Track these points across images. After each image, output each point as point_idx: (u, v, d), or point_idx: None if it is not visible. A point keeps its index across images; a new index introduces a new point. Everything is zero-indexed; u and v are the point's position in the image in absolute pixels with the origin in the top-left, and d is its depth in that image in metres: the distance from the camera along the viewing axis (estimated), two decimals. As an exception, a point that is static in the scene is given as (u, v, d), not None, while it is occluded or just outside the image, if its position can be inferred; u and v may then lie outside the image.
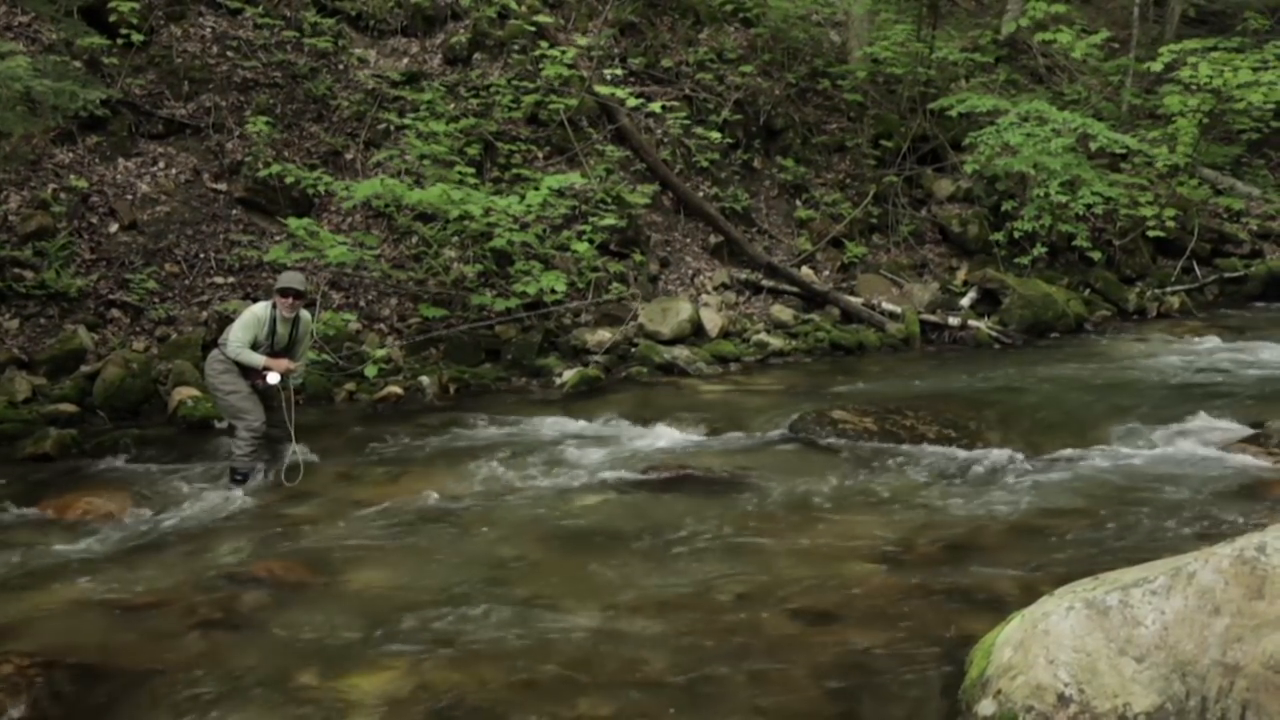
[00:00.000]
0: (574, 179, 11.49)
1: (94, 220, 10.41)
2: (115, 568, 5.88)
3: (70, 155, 10.69)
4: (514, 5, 13.78)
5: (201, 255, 10.66)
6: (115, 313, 9.93)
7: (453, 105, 12.74)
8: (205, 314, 10.24)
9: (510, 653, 4.77)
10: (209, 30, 12.32)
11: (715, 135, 13.45)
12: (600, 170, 12.79)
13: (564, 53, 12.98)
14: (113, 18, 11.20)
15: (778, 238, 13.95)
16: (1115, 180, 14.83)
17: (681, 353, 11.22)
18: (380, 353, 10.23)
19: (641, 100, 12.78)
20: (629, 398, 9.95)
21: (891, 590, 5.39)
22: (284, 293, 7.31)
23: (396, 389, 9.88)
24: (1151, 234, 14.49)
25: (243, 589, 5.60)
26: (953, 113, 14.39)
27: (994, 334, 12.67)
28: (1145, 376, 10.43)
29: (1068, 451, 7.78)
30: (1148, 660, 3.77)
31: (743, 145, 14.44)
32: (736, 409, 9.55)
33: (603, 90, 12.86)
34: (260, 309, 7.39)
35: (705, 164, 13.86)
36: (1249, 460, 7.37)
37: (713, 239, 13.40)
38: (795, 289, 13.09)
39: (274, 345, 7.35)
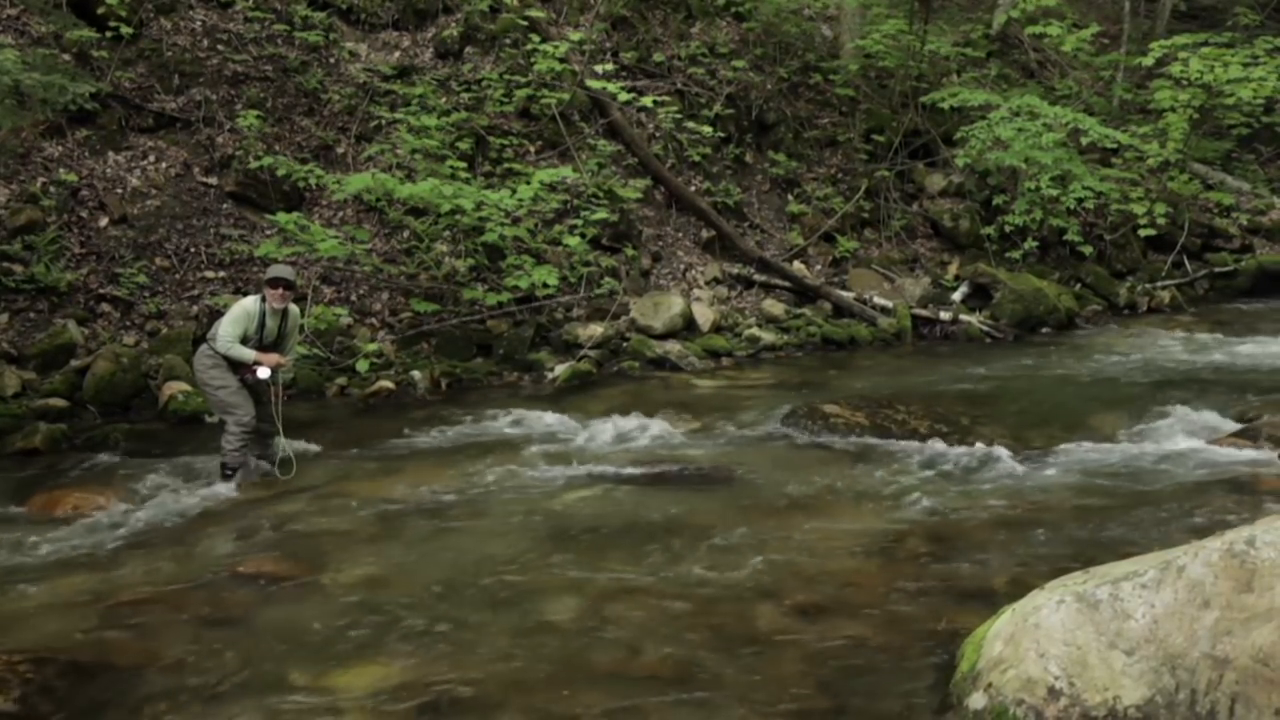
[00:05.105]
0: (565, 173, 11.48)
1: (84, 214, 10.36)
2: (105, 563, 5.86)
3: (60, 149, 10.64)
4: (506, -1, 13.77)
5: (192, 249, 10.62)
6: (105, 307, 9.90)
7: (444, 99, 12.71)
8: (196, 308, 10.21)
9: (501, 647, 4.77)
10: (199, 24, 12.27)
11: (707, 130, 13.45)
12: (592, 165, 12.77)
13: (556, 47, 12.95)
14: (101, 10, 11.14)
15: (769, 232, 13.96)
16: (1106, 175, 14.88)
17: (673, 347, 11.23)
18: (372, 347, 10.22)
19: (633, 95, 12.78)
20: (620, 392, 9.95)
21: (883, 584, 5.40)
22: (274, 283, 7.28)
23: (388, 384, 9.87)
24: (1142, 231, 14.53)
25: (233, 584, 5.59)
26: (944, 106, 14.40)
27: (985, 328, 12.70)
28: (1135, 371, 10.46)
29: (1058, 446, 7.80)
30: (1137, 653, 3.78)
31: (734, 140, 14.43)
32: (728, 404, 9.55)
33: (594, 85, 12.85)
34: (250, 303, 7.36)
35: (697, 158, 13.86)
36: (1239, 454, 7.39)
37: (704, 234, 13.40)
38: (787, 284, 13.10)
39: (263, 339, 7.32)
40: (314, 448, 7.89)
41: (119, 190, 10.69)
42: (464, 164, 11.61)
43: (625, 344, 11.21)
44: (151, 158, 11.13)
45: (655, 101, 12.88)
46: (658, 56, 14.58)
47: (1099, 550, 5.52)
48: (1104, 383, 9.94)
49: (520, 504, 6.78)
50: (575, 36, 13.51)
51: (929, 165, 15.44)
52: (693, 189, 13.71)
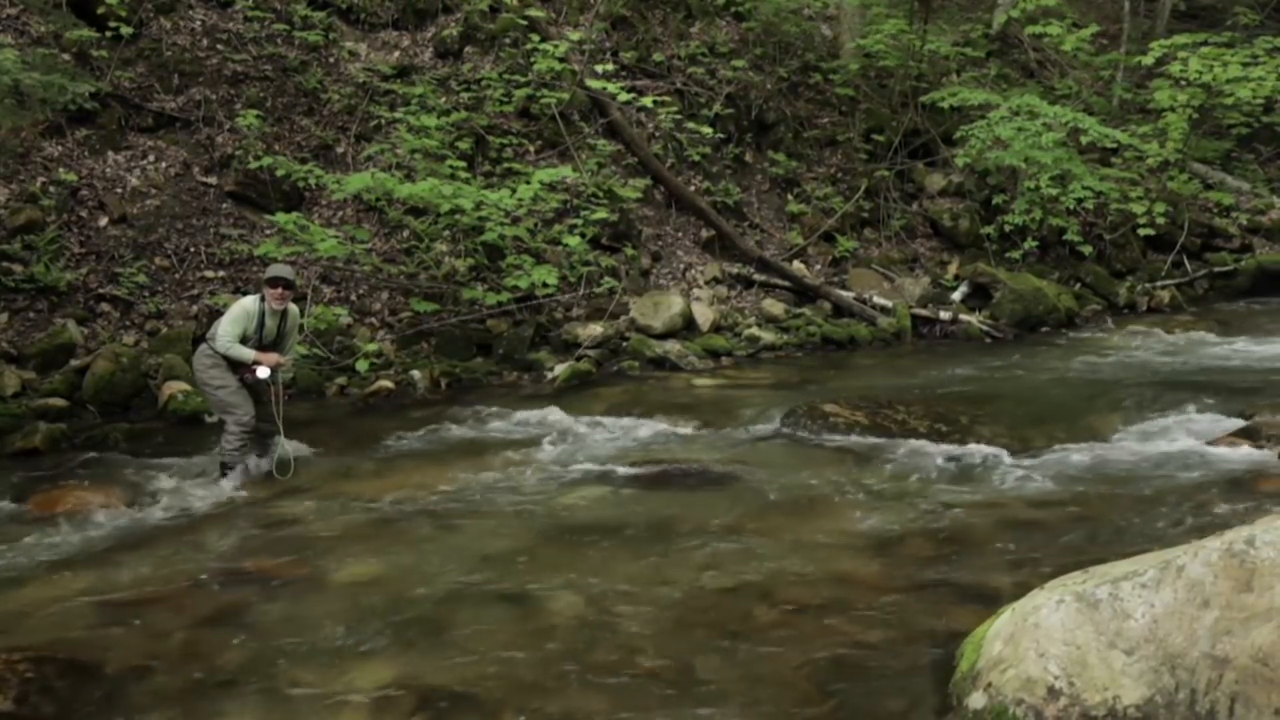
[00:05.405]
0: (565, 173, 11.48)
1: (83, 214, 10.36)
2: (105, 563, 5.86)
3: (59, 149, 10.64)
4: (505, -1, 13.77)
5: (192, 249, 10.62)
6: (105, 307, 9.90)
7: (444, 99, 12.71)
8: (195, 308, 10.21)
9: (501, 646, 4.77)
10: (199, 23, 12.28)
11: (707, 130, 13.45)
12: (592, 164, 12.77)
13: (555, 47, 12.95)
14: (101, 10, 11.15)
15: (769, 232, 13.96)
16: (1106, 175, 14.87)
17: (673, 347, 11.22)
18: (371, 347, 10.21)
19: (633, 94, 12.78)
20: (620, 392, 9.95)
21: (882, 583, 5.40)
22: (273, 283, 7.28)
23: (388, 383, 9.87)
24: (1142, 231, 14.52)
25: (233, 584, 5.58)
26: (944, 106, 14.40)
27: (985, 328, 12.69)
28: (1135, 371, 10.46)
29: (1058, 445, 7.80)
30: (1137, 653, 3.78)
31: (734, 139, 14.43)
32: (728, 403, 9.55)
33: (594, 84, 12.85)
34: (249, 302, 7.37)
35: (697, 158, 13.86)
36: (1238, 453, 7.39)
37: (704, 233, 13.40)
38: (787, 283, 13.10)
39: (263, 339, 7.32)
40: (305, 448, 7.85)
41: (119, 190, 10.69)
42: (463, 164, 11.61)
43: (625, 344, 11.21)
44: (151, 157, 11.13)
45: (655, 101, 12.87)
46: (657, 56, 14.58)
47: (1098, 550, 5.51)
48: (1103, 382, 9.94)
49: (520, 503, 6.78)
50: (575, 36, 13.51)
51: (929, 165, 15.44)
52: (692, 189, 13.71)
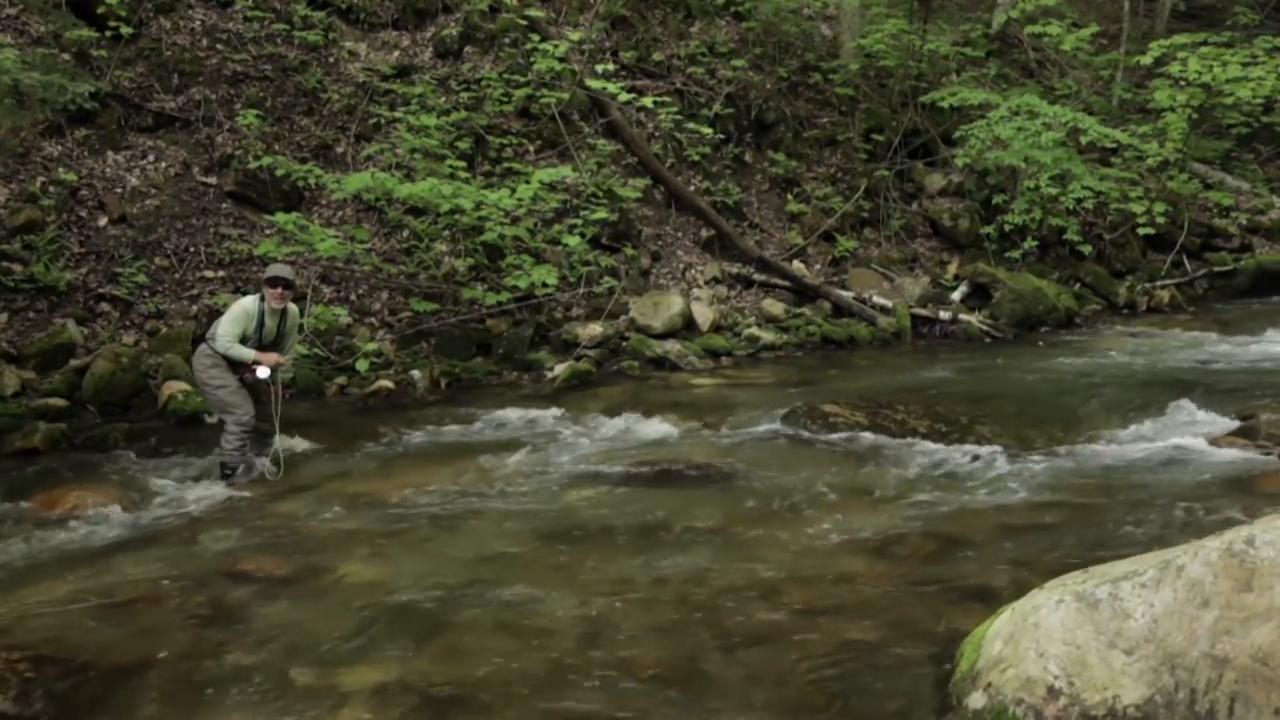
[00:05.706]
0: (565, 173, 11.48)
1: (83, 214, 10.36)
2: (104, 562, 5.86)
3: (59, 148, 10.64)
4: (505, -2, 13.77)
5: (191, 249, 10.62)
6: (105, 306, 9.90)
7: (444, 99, 12.72)
8: (195, 308, 10.21)
9: (500, 646, 4.77)
10: (198, 23, 12.28)
11: (706, 130, 13.45)
12: (591, 164, 12.77)
13: (555, 46, 12.95)
14: (101, 10, 11.15)
15: (769, 232, 13.96)
16: (1106, 174, 14.87)
17: (673, 347, 11.22)
18: (371, 347, 10.21)
19: (633, 94, 12.78)
20: (620, 392, 9.95)
21: (882, 583, 5.40)
22: (273, 283, 7.29)
23: (387, 383, 9.87)
24: (1142, 231, 14.53)
25: (232, 583, 5.58)
26: (944, 106, 14.40)
27: (985, 328, 12.70)
28: (1135, 370, 10.46)
29: (1057, 445, 7.80)
30: (1137, 653, 3.78)
31: (734, 139, 14.43)
32: (727, 403, 9.55)
33: (594, 84, 12.85)
34: (249, 302, 7.38)
35: (696, 158, 13.86)
36: (1237, 453, 7.39)
37: (704, 233, 13.40)
38: (786, 283, 13.10)
39: (262, 338, 7.33)
40: (298, 445, 7.84)
41: (118, 190, 10.69)
42: (463, 163, 11.61)
43: (625, 343, 11.21)
44: (151, 157, 11.13)
45: (655, 101, 12.87)
46: (657, 56, 14.58)
47: (1098, 550, 5.51)
48: (1103, 382, 9.93)
49: (520, 503, 6.78)
50: (575, 36, 13.51)
51: (928, 165, 15.45)
52: (692, 188, 13.71)
